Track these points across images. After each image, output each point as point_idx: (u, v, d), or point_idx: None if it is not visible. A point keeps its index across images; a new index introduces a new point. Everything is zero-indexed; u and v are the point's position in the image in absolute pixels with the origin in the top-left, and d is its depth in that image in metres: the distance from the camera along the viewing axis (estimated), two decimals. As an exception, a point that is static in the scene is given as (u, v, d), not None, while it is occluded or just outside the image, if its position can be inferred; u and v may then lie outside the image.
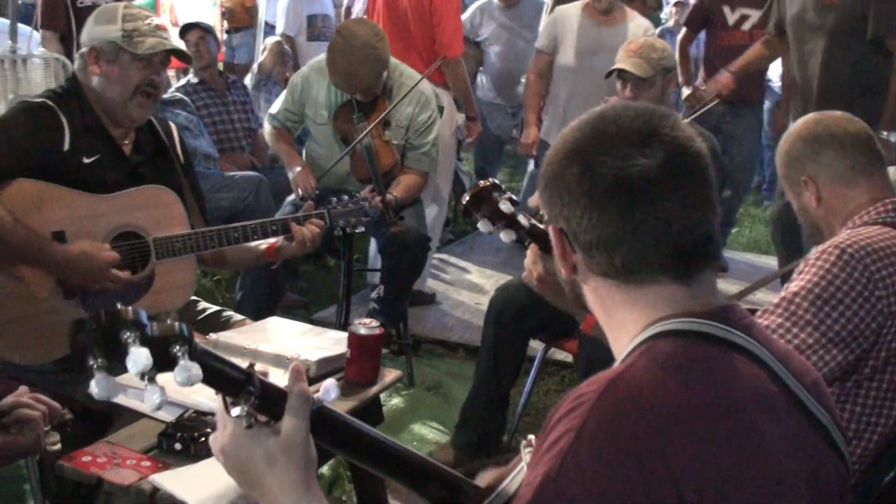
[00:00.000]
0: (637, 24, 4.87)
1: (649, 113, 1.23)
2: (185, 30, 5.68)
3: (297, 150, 4.25)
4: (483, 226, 2.08)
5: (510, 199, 2.04)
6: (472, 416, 3.47)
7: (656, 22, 8.57)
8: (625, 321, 1.26)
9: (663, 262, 1.21)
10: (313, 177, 3.97)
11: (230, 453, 1.27)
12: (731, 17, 5.83)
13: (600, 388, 1.13)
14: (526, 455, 1.34)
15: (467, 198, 2.12)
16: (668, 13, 8.77)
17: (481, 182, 2.09)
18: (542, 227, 1.94)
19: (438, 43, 4.86)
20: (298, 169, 3.98)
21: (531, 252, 1.97)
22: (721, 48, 5.71)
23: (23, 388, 2.08)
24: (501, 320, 3.39)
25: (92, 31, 2.72)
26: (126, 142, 2.79)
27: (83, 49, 2.73)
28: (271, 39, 7.05)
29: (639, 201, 1.18)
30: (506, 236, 2.01)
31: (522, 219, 1.97)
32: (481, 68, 6.65)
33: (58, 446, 2.02)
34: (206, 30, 5.71)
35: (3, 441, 1.91)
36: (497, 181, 2.10)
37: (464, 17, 6.11)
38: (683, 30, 6.21)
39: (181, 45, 4.54)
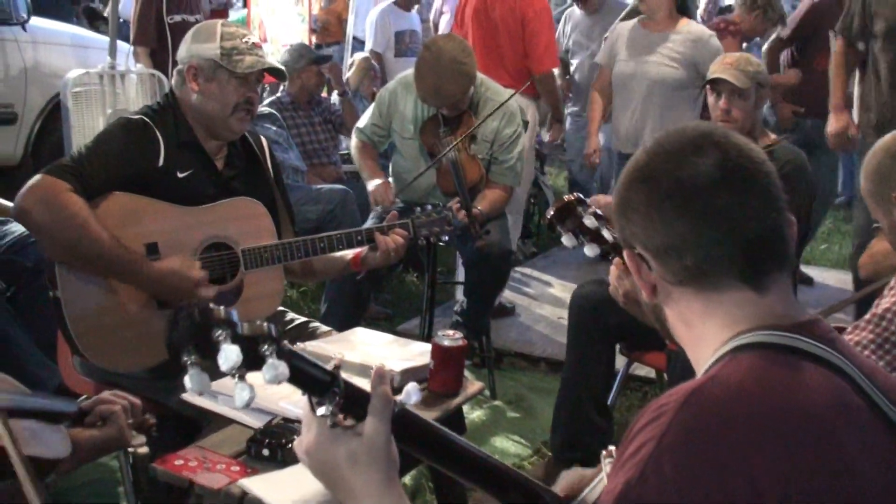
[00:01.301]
0: (689, 30, 4.82)
1: (704, 125, 1.31)
2: (307, 63, 5.70)
3: (381, 165, 4.30)
4: (567, 240, 2.09)
5: (595, 214, 2.04)
6: (560, 418, 3.48)
7: None
8: (705, 334, 1.26)
9: (732, 260, 1.23)
10: (392, 190, 4.01)
11: (314, 453, 1.29)
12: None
13: (682, 398, 1.13)
14: (606, 465, 1.34)
15: (552, 212, 2.13)
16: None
17: (566, 196, 2.09)
18: None
19: (531, 57, 4.91)
20: (378, 182, 4.02)
21: (616, 267, 1.98)
22: (815, 73, 5.59)
23: (105, 393, 2.16)
24: (582, 316, 3.39)
25: (191, 49, 2.78)
26: (219, 156, 2.86)
27: (181, 66, 2.80)
28: (360, 55, 7.15)
29: (696, 201, 1.23)
30: (590, 250, 2.01)
31: (607, 233, 1.97)
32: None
33: (144, 449, 2.08)
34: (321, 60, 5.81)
35: (90, 436, 1.98)
36: (582, 196, 2.10)
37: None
38: (772, 39, 6.07)
39: (275, 61, 4.66)
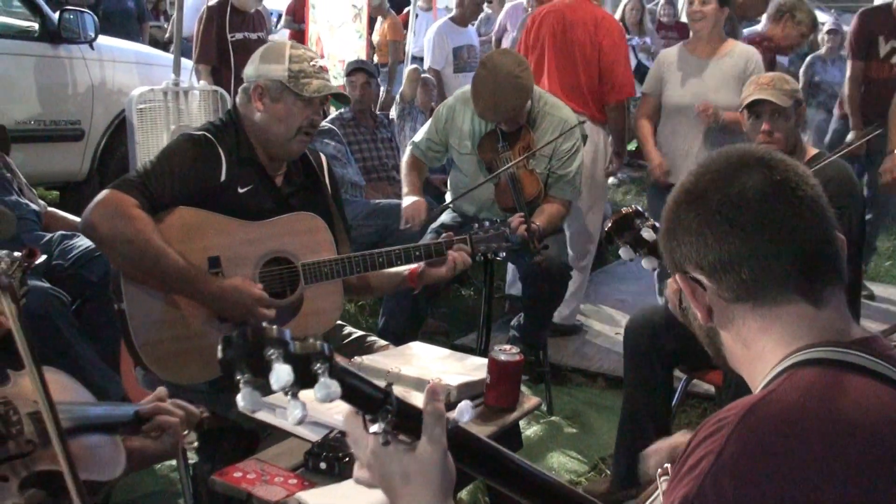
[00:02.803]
0: (740, 53, 4.73)
1: (746, 146, 1.34)
2: (353, 72, 5.83)
3: (421, 185, 4.29)
4: (625, 252, 2.08)
5: (653, 227, 2.03)
6: (622, 444, 3.45)
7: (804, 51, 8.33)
8: (763, 351, 1.26)
9: (788, 272, 1.24)
10: (425, 211, 4.01)
11: (371, 469, 1.30)
12: (883, 49, 5.64)
13: (741, 413, 1.13)
14: (662, 483, 1.33)
15: (610, 224, 2.12)
16: (821, 40, 8.52)
17: (624, 209, 2.09)
18: None
19: (605, 86, 4.92)
20: (413, 199, 4.02)
21: (673, 281, 1.97)
22: (871, 81, 5.51)
23: (161, 389, 2.18)
24: (638, 343, 3.36)
25: (259, 68, 2.81)
26: (278, 173, 2.90)
27: (248, 84, 2.84)
28: (409, 68, 7.22)
29: (748, 214, 1.24)
30: (647, 263, 2.01)
31: None
32: None
33: (195, 444, 2.10)
34: (370, 74, 5.87)
35: (142, 444, 2.01)
36: (640, 209, 2.09)
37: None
38: (851, 63, 5.94)
39: (339, 84, 4.70)
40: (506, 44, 7.09)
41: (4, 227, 1.37)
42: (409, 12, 9.16)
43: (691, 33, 4.94)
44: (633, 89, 5.20)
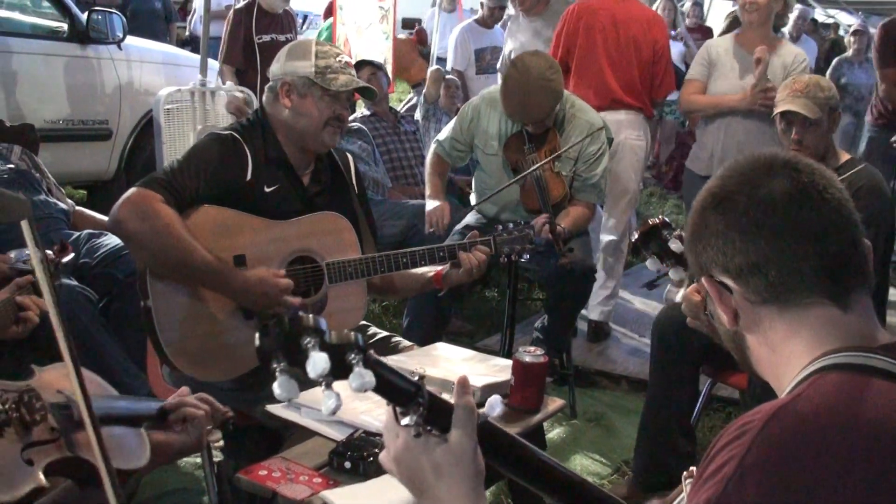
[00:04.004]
0: (787, 52, 4.69)
1: (774, 151, 1.33)
2: (358, 66, 5.89)
3: (444, 187, 4.30)
4: (651, 263, 2.07)
5: (680, 238, 2.02)
6: (643, 441, 3.44)
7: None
8: (790, 356, 1.25)
9: (815, 274, 1.23)
10: (448, 215, 4.02)
11: (401, 462, 1.31)
12: None
13: (766, 417, 1.12)
14: (686, 485, 1.33)
15: (636, 235, 2.11)
16: (848, 42, 8.47)
17: (651, 219, 2.08)
18: None
19: (656, 82, 5.07)
20: (437, 203, 4.03)
21: (691, 290, 1.97)
22: None
23: (184, 389, 2.20)
24: (666, 338, 3.35)
25: (285, 66, 2.84)
26: (305, 172, 2.92)
27: (274, 82, 2.86)
28: (431, 68, 7.24)
29: (775, 216, 1.24)
30: (675, 274, 1.99)
31: None
32: None
33: (220, 443, 2.11)
34: (377, 67, 5.97)
35: (167, 438, 2.02)
36: (667, 219, 2.08)
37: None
38: (884, 72, 5.88)
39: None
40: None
41: (15, 211, 1.39)
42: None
43: (744, 27, 4.84)
44: (674, 87, 5.32)
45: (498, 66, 6.28)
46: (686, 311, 2.03)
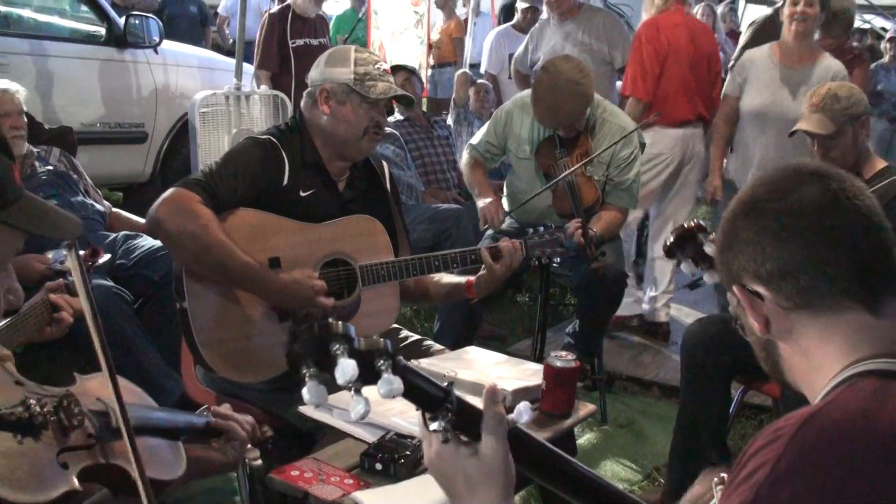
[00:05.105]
0: (826, 67, 4.65)
1: (803, 160, 1.35)
2: (393, 71, 5.91)
3: (491, 183, 4.32)
4: (686, 267, 2.06)
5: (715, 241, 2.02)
6: (676, 454, 3.42)
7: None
8: (823, 362, 1.25)
9: (846, 279, 1.24)
10: (502, 209, 4.02)
11: (433, 467, 1.32)
12: None
13: (798, 423, 1.12)
14: (717, 492, 1.33)
15: (671, 238, 2.10)
16: (884, 48, 8.38)
17: (686, 223, 2.07)
18: None
19: (717, 93, 5.21)
20: (489, 199, 4.02)
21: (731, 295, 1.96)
22: None
23: (226, 406, 2.21)
24: (695, 355, 3.33)
25: (324, 72, 2.85)
26: (341, 178, 2.93)
27: (313, 88, 2.87)
28: (458, 72, 7.25)
29: (806, 222, 1.25)
30: (709, 278, 1.99)
31: None
32: None
33: (258, 462, 2.13)
34: (411, 72, 5.98)
35: (205, 454, 2.04)
36: (703, 223, 2.08)
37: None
38: None
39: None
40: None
41: (68, 231, 1.43)
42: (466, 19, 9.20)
43: (786, 36, 4.80)
44: None
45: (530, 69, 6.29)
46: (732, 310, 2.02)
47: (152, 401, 2.11)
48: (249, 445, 2.16)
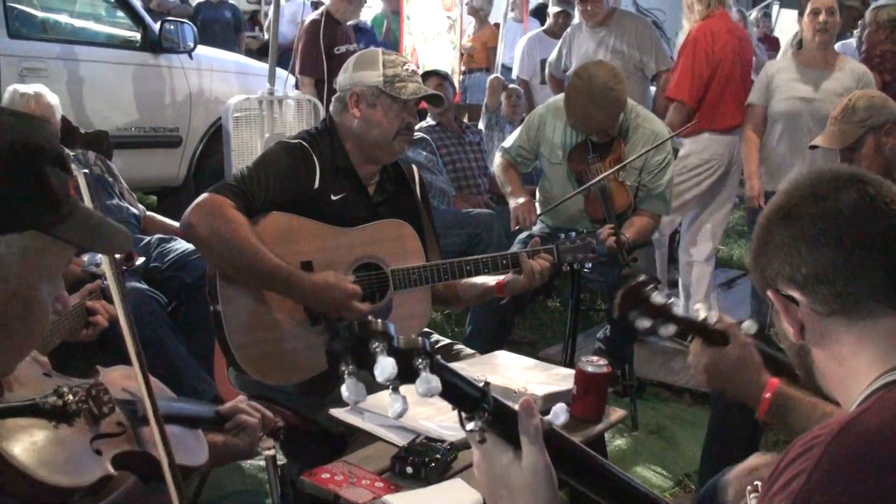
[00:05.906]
0: (850, 71, 4.68)
1: (838, 166, 1.37)
2: (425, 77, 5.93)
3: (523, 185, 4.32)
4: (641, 323, 2.00)
5: (656, 289, 2.01)
6: (708, 460, 3.39)
7: None
8: (858, 368, 1.24)
9: (883, 284, 1.23)
10: (534, 210, 4.02)
11: (479, 475, 1.32)
12: None
13: (835, 431, 1.11)
14: (752, 500, 1.32)
15: (618, 301, 2.07)
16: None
17: (631, 282, 2.04)
18: (699, 319, 1.97)
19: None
20: (522, 200, 4.00)
21: (694, 345, 1.98)
22: None
23: (241, 397, 2.23)
24: None
25: (353, 76, 2.87)
26: (371, 182, 2.94)
27: (342, 93, 2.89)
28: (490, 77, 7.25)
29: (842, 227, 1.25)
30: (665, 331, 1.96)
31: (678, 310, 1.98)
32: None
33: (272, 451, 2.14)
34: (443, 77, 6.01)
35: (225, 440, 2.06)
36: (644, 277, 2.05)
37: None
38: None
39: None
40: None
41: (118, 244, 1.46)
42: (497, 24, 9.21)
43: (808, 44, 4.87)
44: None
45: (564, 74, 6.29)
46: (690, 359, 2.04)
47: (170, 390, 2.14)
48: (262, 435, 2.17)
